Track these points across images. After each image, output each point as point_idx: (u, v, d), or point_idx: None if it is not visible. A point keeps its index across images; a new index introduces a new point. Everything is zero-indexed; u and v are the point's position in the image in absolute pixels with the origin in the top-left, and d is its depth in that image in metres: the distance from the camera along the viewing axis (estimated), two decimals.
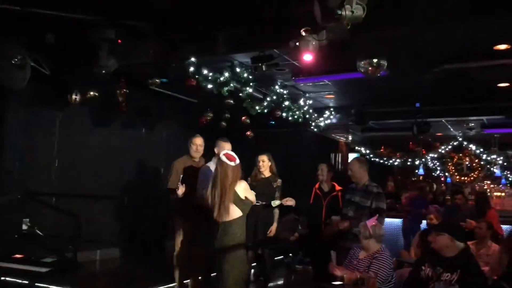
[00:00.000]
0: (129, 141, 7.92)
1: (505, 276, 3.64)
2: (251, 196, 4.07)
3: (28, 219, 5.10)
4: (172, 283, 5.59)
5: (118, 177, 7.56)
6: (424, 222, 7.64)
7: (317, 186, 6.01)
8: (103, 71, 5.36)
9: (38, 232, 4.89)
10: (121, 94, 6.69)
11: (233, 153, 4.00)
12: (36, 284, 5.25)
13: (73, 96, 6.42)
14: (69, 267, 4.71)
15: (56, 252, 6.03)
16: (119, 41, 5.06)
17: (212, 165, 5.23)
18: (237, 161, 3.94)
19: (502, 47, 5.38)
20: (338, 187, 5.92)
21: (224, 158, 3.91)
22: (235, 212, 3.90)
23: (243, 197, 3.95)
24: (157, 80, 6.35)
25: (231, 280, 3.82)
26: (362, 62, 4.95)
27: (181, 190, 5.01)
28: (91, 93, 6.56)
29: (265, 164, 5.75)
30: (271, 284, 6.62)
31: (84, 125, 7.22)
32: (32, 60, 5.49)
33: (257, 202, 5.23)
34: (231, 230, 3.89)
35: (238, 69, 6.10)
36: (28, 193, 6.27)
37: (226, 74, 6.17)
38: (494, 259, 4.89)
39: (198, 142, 5.47)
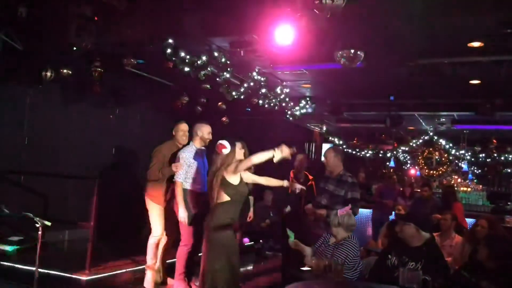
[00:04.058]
0: (102, 122, 7.78)
1: (466, 266, 3.77)
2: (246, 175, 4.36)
3: None
4: (141, 266, 5.58)
5: (89, 158, 7.43)
6: (393, 213, 7.82)
7: (292, 175, 6.11)
8: (77, 49, 5.23)
9: (5, 210, 4.80)
10: (95, 73, 6.55)
11: (223, 143, 4.29)
12: (1, 262, 5.19)
13: (46, 73, 6.25)
14: (36, 246, 4.64)
15: (23, 231, 5.95)
16: (95, 18, 4.94)
17: (191, 150, 5.27)
18: (226, 150, 4.26)
19: (476, 44, 5.49)
20: (310, 177, 6.06)
21: (216, 149, 4.32)
22: (222, 197, 4.20)
23: (235, 183, 4.23)
24: (132, 60, 6.23)
25: (208, 260, 4.16)
26: (340, 52, 4.98)
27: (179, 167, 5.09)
28: (65, 70, 6.38)
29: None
30: (241, 269, 6.67)
31: (56, 103, 7.05)
32: (3, 34, 5.32)
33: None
34: (216, 212, 4.21)
35: (216, 53, 6.05)
36: None
37: (204, 58, 6.12)
38: (457, 250, 5.06)
39: (185, 128, 5.51)
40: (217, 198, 4.24)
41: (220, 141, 4.31)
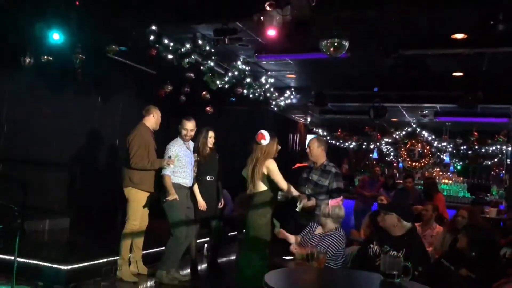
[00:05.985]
0: (84, 110, 7.64)
1: (447, 255, 3.83)
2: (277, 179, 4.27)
3: None
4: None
5: (70, 146, 7.31)
6: (375, 204, 7.89)
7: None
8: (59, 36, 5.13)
9: None
10: (77, 60, 6.40)
11: (264, 133, 4.27)
12: None
13: (25, 59, 6.10)
14: (15, 236, 4.57)
15: (1, 220, 5.84)
16: (77, 3, 4.83)
17: (179, 143, 5.26)
18: (265, 141, 4.26)
19: (459, 36, 5.53)
20: None
21: (256, 138, 4.27)
22: (260, 186, 4.27)
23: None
24: (114, 47, 6.11)
25: (248, 243, 4.32)
26: (324, 42, 4.94)
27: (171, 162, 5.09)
28: (45, 57, 6.25)
29: (213, 140, 5.71)
30: (223, 259, 6.68)
31: (37, 90, 6.89)
32: None
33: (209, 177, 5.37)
34: (255, 201, 4.29)
35: (200, 41, 5.98)
36: None
37: (188, 46, 6.05)
38: (438, 240, 5.13)
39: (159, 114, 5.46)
40: (254, 187, 4.30)
41: (262, 131, 4.32)
